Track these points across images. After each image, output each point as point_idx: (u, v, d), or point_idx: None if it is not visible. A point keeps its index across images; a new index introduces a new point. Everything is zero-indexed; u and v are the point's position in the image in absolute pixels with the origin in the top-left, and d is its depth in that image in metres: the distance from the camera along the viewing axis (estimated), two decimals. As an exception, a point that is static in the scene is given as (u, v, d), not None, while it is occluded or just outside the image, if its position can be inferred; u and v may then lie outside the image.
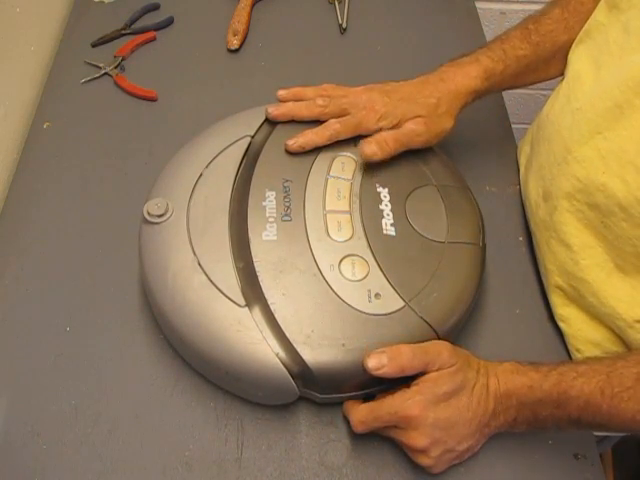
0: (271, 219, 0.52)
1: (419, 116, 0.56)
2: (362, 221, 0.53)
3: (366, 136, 0.57)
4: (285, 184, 0.54)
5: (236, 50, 0.80)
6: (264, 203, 0.53)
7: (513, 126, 0.73)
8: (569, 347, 0.57)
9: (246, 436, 0.51)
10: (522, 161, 0.67)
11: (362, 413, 0.47)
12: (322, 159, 0.57)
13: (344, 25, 0.83)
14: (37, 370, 0.54)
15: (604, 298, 0.53)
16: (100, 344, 0.55)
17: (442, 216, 0.55)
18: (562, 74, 0.61)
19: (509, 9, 1.13)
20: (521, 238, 0.64)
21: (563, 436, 0.51)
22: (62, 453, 0.50)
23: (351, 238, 0.52)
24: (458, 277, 0.52)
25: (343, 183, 0.55)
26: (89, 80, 0.76)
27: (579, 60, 0.58)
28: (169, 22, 0.83)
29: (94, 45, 0.80)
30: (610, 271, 0.53)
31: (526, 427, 0.47)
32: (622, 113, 0.49)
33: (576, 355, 0.56)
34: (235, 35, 0.80)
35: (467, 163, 0.65)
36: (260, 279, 0.49)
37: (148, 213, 0.52)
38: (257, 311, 0.48)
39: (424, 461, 0.47)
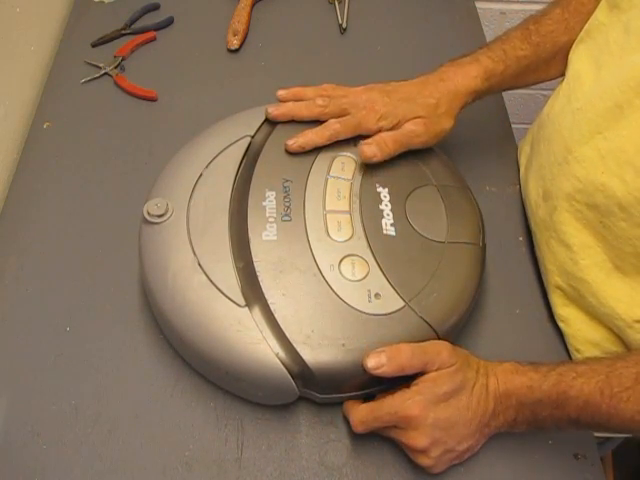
0: (271, 219, 0.52)
1: (419, 117, 0.57)
2: (362, 221, 0.53)
3: (366, 136, 0.57)
4: (285, 184, 0.55)
5: (236, 50, 0.80)
6: (264, 203, 0.53)
7: (513, 126, 0.73)
8: (569, 347, 0.57)
9: (246, 436, 0.51)
10: (522, 161, 0.67)
11: (362, 413, 0.47)
12: (322, 159, 0.57)
13: (344, 25, 0.83)
14: (37, 370, 0.54)
15: (603, 298, 0.53)
16: (100, 344, 0.55)
17: (442, 216, 0.55)
18: (563, 75, 0.61)
19: (509, 9, 1.13)
20: (521, 238, 0.64)
21: (563, 436, 0.51)
22: (62, 453, 0.50)
23: (351, 238, 0.52)
24: (458, 277, 0.52)
25: (343, 183, 0.55)
26: (89, 80, 0.76)
27: (579, 60, 0.58)
28: (169, 22, 0.83)
29: (94, 45, 0.80)
30: (609, 271, 0.53)
31: (526, 427, 0.47)
32: (622, 113, 0.49)
33: (576, 355, 0.57)
34: (235, 35, 0.80)
35: (467, 163, 0.65)
36: (260, 279, 0.49)
37: (148, 213, 0.52)
38: (257, 311, 0.48)
39: (424, 461, 0.47)
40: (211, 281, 0.49)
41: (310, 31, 0.83)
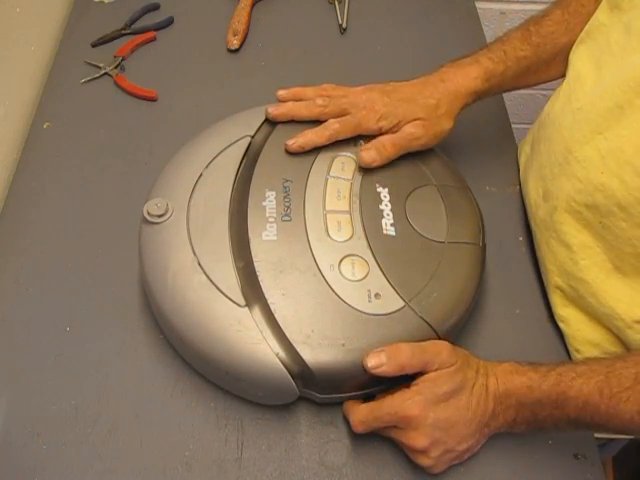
0: (271, 219, 0.52)
1: (418, 118, 0.57)
2: (362, 221, 0.53)
3: (366, 136, 0.57)
4: (285, 184, 0.55)
5: (236, 50, 0.80)
6: (264, 203, 0.53)
7: (513, 126, 0.73)
8: (569, 347, 0.57)
9: (246, 436, 0.51)
10: (522, 161, 0.67)
11: (362, 413, 0.47)
12: (322, 159, 0.57)
13: (344, 25, 0.83)
14: (37, 370, 0.54)
15: (603, 298, 0.53)
16: (100, 344, 0.55)
17: (442, 216, 0.55)
18: (563, 76, 0.61)
19: (509, 9, 1.13)
20: (521, 238, 0.64)
21: (563, 436, 0.51)
22: (62, 453, 0.50)
23: (351, 238, 0.52)
24: (458, 277, 0.52)
25: (343, 183, 0.55)
26: (89, 80, 0.76)
27: (580, 60, 0.58)
28: (169, 22, 0.83)
29: (94, 45, 0.80)
30: (609, 272, 0.53)
31: (525, 427, 0.47)
32: (623, 113, 0.49)
33: (575, 355, 0.57)
34: (235, 35, 0.80)
35: (467, 163, 0.65)
36: (260, 279, 0.49)
37: (148, 213, 0.52)
38: (257, 311, 0.48)
39: (424, 461, 0.47)
40: (211, 281, 0.49)
41: (310, 31, 0.83)
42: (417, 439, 0.45)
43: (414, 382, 0.46)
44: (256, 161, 0.56)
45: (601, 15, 0.57)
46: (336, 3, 0.86)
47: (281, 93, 0.60)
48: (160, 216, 0.52)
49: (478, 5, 0.88)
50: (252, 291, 0.49)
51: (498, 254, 0.61)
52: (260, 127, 0.59)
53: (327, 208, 0.53)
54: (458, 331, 0.53)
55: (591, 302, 0.54)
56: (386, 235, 0.52)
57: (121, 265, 0.60)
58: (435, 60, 0.62)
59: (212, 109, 0.70)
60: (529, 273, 0.61)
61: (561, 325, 0.57)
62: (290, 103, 0.59)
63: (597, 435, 0.57)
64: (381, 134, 0.57)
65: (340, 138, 0.57)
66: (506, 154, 0.70)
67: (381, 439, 0.50)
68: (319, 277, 0.49)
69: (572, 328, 0.56)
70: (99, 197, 0.66)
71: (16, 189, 0.67)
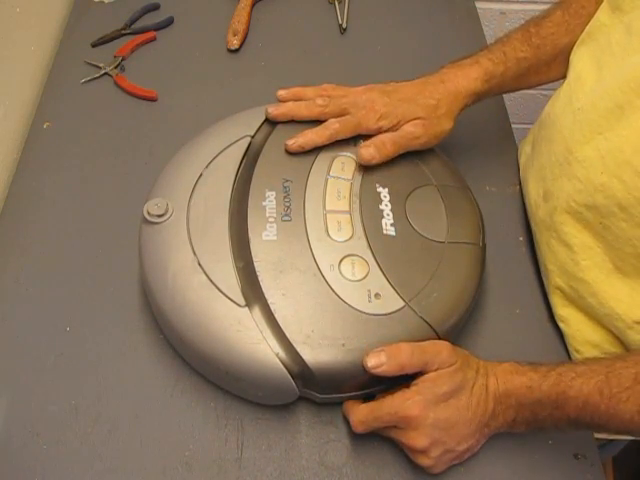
0: (271, 219, 0.52)
1: (418, 118, 0.57)
2: (362, 221, 0.53)
3: (366, 136, 0.57)
4: (285, 184, 0.55)
5: (236, 50, 0.80)
6: (264, 203, 0.53)
7: (513, 126, 0.73)
8: (569, 348, 0.57)
9: (246, 436, 0.51)
10: (522, 161, 0.67)
11: (362, 413, 0.47)
12: (322, 159, 0.57)
13: (344, 25, 0.83)
14: (37, 370, 0.54)
15: (603, 299, 0.53)
16: (100, 344, 0.55)
17: (442, 216, 0.55)
18: (563, 77, 0.61)
19: (509, 9, 1.13)
20: (521, 238, 0.64)
21: (563, 436, 0.51)
22: (62, 453, 0.50)
23: (351, 238, 0.52)
24: (458, 277, 0.52)
25: (343, 183, 0.55)
26: (89, 80, 0.76)
27: (581, 61, 0.58)
28: (169, 22, 0.83)
29: (94, 45, 0.80)
30: (609, 272, 0.53)
31: (525, 427, 0.47)
32: (623, 113, 0.49)
33: (575, 356, 0.56)
34: (235, 35, 0.80)
35: (467, 163, 0.65)
36: (260, 279, 0.49)
37: (148, 213, 0.52)
38: (257, 311, 0.48)
39: (424, 461, 0.47)
40: (211, 281, 0.49)
41: (310, 31, 0.83)
42: (417, 439, 0.45)
43: (414, 382, 0.46)
44: (256, 161, 0.56)
45: (602, 16, 0.57)
46: (336, 3, 0.86)
47: (281, 93, 0.60)
48: (160, 216, 0.52)
49: (478, 5, 0.88)
50: (252, 291, 0.49)
51: (498, 254, 0.61)
52: (260, 127, 0.59)
53: (327, 208, 0.53)
54: (458, 331, 0.53)
55: (591, 302, 0.54)
56: (386, 235, 0.52)
57: (121, 265, 0.60)
58: (435, 60, 0.62)
59: (212, 109, 0.70)
60: (529, 273, 0.61)
61: (561, 325, 0.57)
62: (290, 103, 0.59)
63: (597, 435, 0.57)
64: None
65: (340, 138, 0.57)
66: (506, 154, 0.70)
67: (381, 439, 0.50)
68: (319, 277, 0.49)
69: (572, 328, 0.56)
70: (99, 197, 0.66)
71: (16, 189, 0.67)
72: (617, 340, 0.55)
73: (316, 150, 0.57)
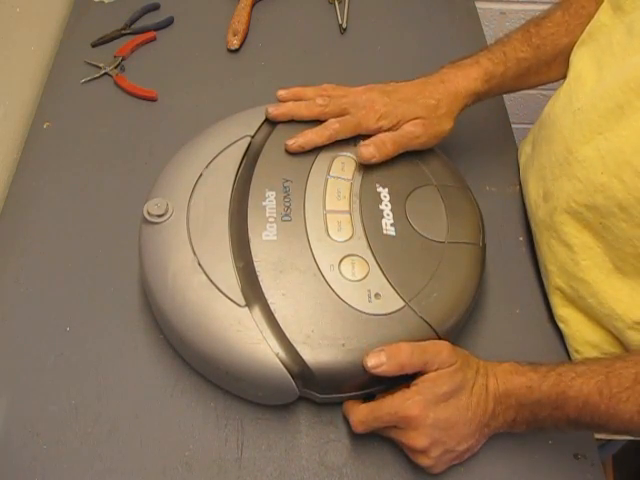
0: (271, 219, 0.52)
1: (418, 117, 0.57)
2: (362, 221, 0.53)
3: (366, 136, 0.57)
4: (285, 184, 0.55)
5: (236, 50, 0.80)
6: (264, 203, 0.53)
7: (513, 126, 0.73)
8: (568, 348, 0.57)
9: (246, 436, 0.51)
10: (522, 161, 0.67)
11: (362, 413, 0.47)
12: (322, 159, 0.57)
13: (344, 25, 0.83)
14: (37, 370, 0.54)
15: (603, 299, 0.53)
16: (100, 344, 0.55)
17: (442, 216, 0.55)
18: (563, 77, 0.61)
19: (509, 9, 1.13)
20: (521, 238, 0.64)
21: (563, 436, 0.51)
22: (62, 453, 0.50)
23: (351, 238, 0.52)
24: (458, 277, 0.52)
25: (343, 183, 0.55)
26: (89, 80, 0.76)
27: (581, 61, 0.58)
28: (169, 22, 0.83)
29: (94, 45, 0.80)
30: (609, 272, 0.53)
31: (525, 427, 0.47)
32: (623, 114, 0.49)
33: (575, 356, 0.56)
34: (235, 35, 0.80)
35: (467, 163, 0.65)
36: (260, 279, 0.49)
37: (148, 213, 0.52)
38: (257, 311, 0.48)
39: (424, 461, 0.47)
40: (211, 281, 0.49)
41: (310, 31, 0.83)
42: (417, 439, 0.45)
43: (414, 382, 0.46)
44: (256, 161, 0.56)
45: (603, 16, 0.57)
46: (336, 3, 0.86)
47: (281, 93, 0.60)
48: (160, 216, 0.52)
49: (478, 5, 0.88)
50: (252, 291, 0.49)
51: (498, 254, 0.61)
52: (260, 127, 0.59)
53: (327, 208, 0.53)
54: (458, 331, 0.53)
55: (591, 303, 0.54)
56: (386, 235, 0.52)
57: (121, 265, 0.60)
58: (435, 60, 0.62)
59: (212, 109, 0.70)
60: (529, 273, 0.61)
61: (561, 325, 0.57)
62: (290, 103, 0.59)
63: (597, 435, 0.57)
64: (381, 134, 0.57)
65: (340, 138, 0.57)
66: (506, 154, 0.70)
67: (381, 439, 0.50)
68: (319, 277, 0.49)
69: (572, 329, 0.56)
70: (99, 197, 0.66)
71: (16, 189, 0.67)
72: (617, 340, 0.54)
73: (316, 150, 0.57)
